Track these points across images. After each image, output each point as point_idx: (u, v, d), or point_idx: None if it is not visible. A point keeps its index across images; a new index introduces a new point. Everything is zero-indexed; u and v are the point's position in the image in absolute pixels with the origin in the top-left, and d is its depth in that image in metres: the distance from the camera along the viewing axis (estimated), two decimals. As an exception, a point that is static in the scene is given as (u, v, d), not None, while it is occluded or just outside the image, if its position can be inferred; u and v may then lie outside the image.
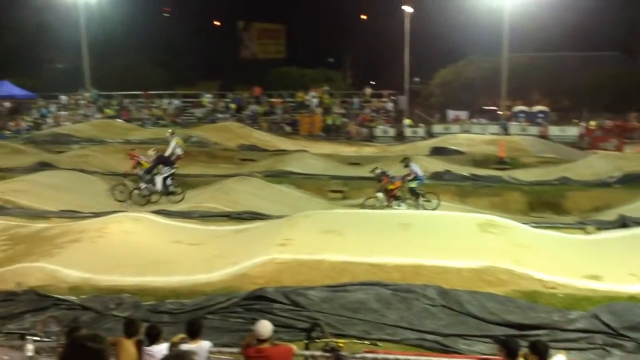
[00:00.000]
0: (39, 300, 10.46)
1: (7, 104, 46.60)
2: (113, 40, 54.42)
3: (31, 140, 34.65)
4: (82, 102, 46.95)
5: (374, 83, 53.16)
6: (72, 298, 10.58)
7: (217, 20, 72.80)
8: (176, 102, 47.09)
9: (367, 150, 35.05)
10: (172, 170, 20.70)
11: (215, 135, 35.19)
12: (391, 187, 19.72)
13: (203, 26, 65.68)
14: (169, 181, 20.60)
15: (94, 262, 12.66)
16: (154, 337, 6.85)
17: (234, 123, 40.36)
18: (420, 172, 20.03)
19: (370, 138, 39.74)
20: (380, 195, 19.68)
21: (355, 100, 44.93)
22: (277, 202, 20.05)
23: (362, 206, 19.19)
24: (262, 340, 6.57)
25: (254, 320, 8.67)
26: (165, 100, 47.15)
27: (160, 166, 20.67)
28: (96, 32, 49.86)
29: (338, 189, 22.62)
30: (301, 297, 10.03)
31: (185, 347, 6.58)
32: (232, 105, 45.23)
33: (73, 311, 10.09)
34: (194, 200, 19.70)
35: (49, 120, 43.92)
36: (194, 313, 9.68)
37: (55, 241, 13.93)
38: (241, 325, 9.60)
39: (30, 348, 6.49)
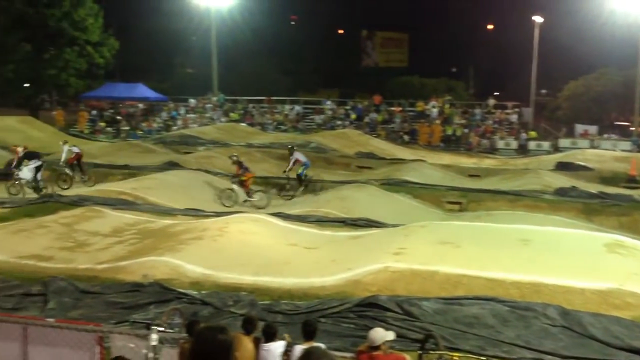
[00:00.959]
0: (163, 293, 10.96)
1: (141, 106, 49.44)
2: (241, 47, 56.44)
3: (161, 141, 36.51)
4: (209, 105, 48.99)
5: (497, 94, 51.85)
6: (193, 292, 11.01)
7: (341, 29, 73.73)
8: (297, 108, 48.12)
9: (488, 162, 34.21)
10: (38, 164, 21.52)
11: (333, 141, 35.60)
12: (244, 178, 20.69)
13: (327, 34, 66.70)
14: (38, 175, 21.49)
15: (215, 259, 13.12)
16: (271, 335, 7.02)
17: (352, 130, 40.67)
18: (304, 159, 22.15)
19: (492, 150, 38.80)
20: (236, 187, 20.62)
21: (477, 111, 44.04)
22: (393, 210, 19.94)
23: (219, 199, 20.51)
24: (375, 347, 6.56)
25: (366, 327, 8.68)
26: (287, 106, 48.30)
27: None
28: (226, 39, 51.90)
29: (456, 201, 22.19)
30: (414, 308, 9.91)
31: (298, 348, 6.68)
32: (352, 116, 45.60)
33: (193, 305, 10.50)
34: (311, 204, 19.99)
35: (178, 122, 46.17)
36: (307, 315, 9.80)
37: (180, 237, 14.58)
38: (353, 330, 9.61)
39: (154, 338, 6.81)
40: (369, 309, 10.12)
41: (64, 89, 50.54)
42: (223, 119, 46.68)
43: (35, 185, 21.54)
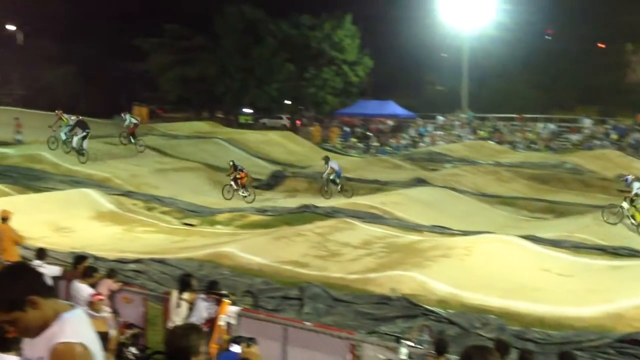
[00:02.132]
0: (409, 308, 11.07)
1: (389, 122, 50.83)
2: (493, 63, 55.32)
3: (409, 157, 37.10)
4: (457, 123, 48.74)
5: None
6: (440, 311, 10.95)
7: (602, 43, 68.71)
8: (551, 126, 45.81)
9: None
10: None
11: (591, 163, 33.23)
12: (239, 177, 24.91)
13: (586, 48, 62.56)
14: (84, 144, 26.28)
15: (461, 278, 12.93)
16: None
17: (613, 151, 37.59)
18: (337, 168, 25.71)
19: None
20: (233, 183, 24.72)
21: None
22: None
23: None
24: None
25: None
26: (540, 124, 46.23)
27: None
28: (477, 55, 51.23)
29: None
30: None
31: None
32: (613, 136, 42.17)
33: (440, 323, 10.44)
34: (564, 229, 18.84)
35: (426, 139, 46.59)
36: (561, 346, 9.21)
37: (426, 254, 14.62)
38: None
39: (404, 352, 6.90)
40: (632, 346, 9.22)
41: (321, 106, 53.90)
42: (471, 137, 46.12)
43: (79, 150, 26.26)
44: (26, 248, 12.69)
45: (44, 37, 55.25)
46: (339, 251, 15.45)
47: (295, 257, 14.77)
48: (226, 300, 8.30)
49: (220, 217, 20.25)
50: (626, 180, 21.24)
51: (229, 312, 8.27)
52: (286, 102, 54.21)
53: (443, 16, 49.22)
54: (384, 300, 11.56)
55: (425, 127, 49.11)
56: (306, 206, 20.54)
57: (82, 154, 26.28)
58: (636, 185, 20.49)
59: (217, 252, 14.75)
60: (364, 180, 28.14)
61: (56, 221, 18.43)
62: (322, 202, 21.77)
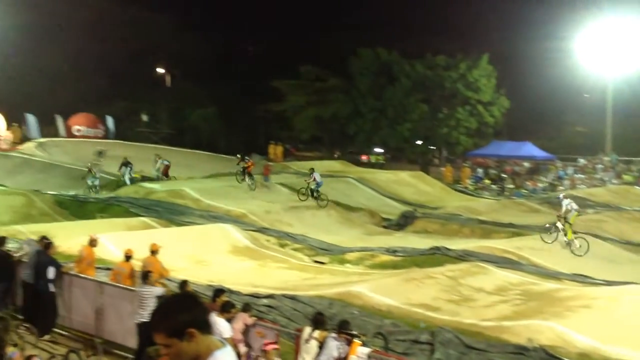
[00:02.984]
0: (548, 360, 10.49)
1: (526, 164, 49.09)
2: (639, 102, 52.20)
3: (547, 201, 35.52)
4: (599, 166, 46.20)
5: None
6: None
7: None
8: None
9: None
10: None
11: None
12: (245, 165, 30.32)
13: None
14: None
15: (605, 331, 12.12)
16: None
17: None
18: (319, 180, 28.65)
19: None
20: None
21: None
22: None
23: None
24: None
25: None
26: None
27: None
28: (624, 94, 48.52)
29: None
30: None
31: None
32: None
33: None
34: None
35: (565, 182, 44.47)
36: None
37: (567, 303, 13.86)
38: None
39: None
40: None
41: (453, 147, 53.17)
42: (615, 181, 43.46)
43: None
44: (170, 280, 13.32)
45: (189, 79, 58.82)
46: (472, 296, 14.99)
47: (426, 300, 14.48)
48: (357, 341, 8.25)
49: (350, 256, 20.32)
50: (558, 198, 23.72)
51: (359, 353, 8.20)
52: (417, 142, 54.05)
53: (585, 57, 47.26)
54: (520, 350, 11.03)
55: (564, 169, 46.93)
56: (437, 248, 20.17)
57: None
58: (565, 202, 22.30)
59: (347, 291, 14.76)
60: (498, 223, 27.25)
61: (195, 254, 19.29)
62: (454, 245, 21.26)
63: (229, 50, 60.65)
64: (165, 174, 33.30)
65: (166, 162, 33.82)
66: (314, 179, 28.88)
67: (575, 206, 22.34)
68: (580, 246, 20.90)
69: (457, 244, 21.98)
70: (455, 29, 54.30)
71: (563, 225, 21.58)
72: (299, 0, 61.98)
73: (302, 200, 28.48)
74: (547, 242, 21.39)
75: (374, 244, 22.63)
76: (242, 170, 30.55)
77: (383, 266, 19.07)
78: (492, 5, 52.05)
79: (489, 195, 42.60)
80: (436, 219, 28.27)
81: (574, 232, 21.49)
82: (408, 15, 56.50)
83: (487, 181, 46.82)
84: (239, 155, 31.49)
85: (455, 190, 40.18)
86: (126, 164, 32.00)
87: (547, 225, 22.38)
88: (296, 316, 12.69)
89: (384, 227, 28.06)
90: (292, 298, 13.63)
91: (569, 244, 21.15)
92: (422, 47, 52.07)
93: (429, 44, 52.42)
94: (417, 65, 50.67)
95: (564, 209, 21.97)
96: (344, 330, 8.52)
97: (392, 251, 20.49)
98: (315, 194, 28.55)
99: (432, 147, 56.17)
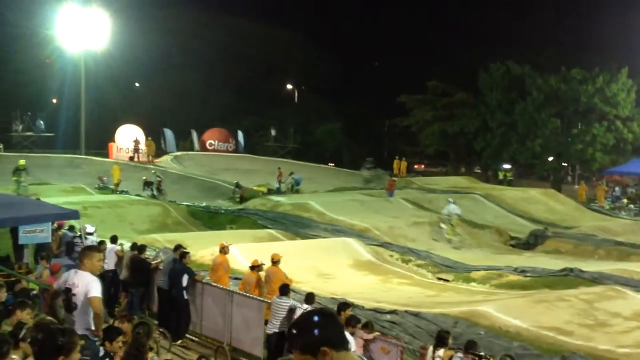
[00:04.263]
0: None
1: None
2: None
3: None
4: None
5: None
6: None
7: None
8: None
9: None
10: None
11: None
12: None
13: None
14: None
15: None
16: None
17: None
18: (298, 178, 34.47)
19: None
20: None
21: None
22: None
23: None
24: None
25: None
26: None
27: None
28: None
29: None
30: None
31: None
32: None
33: None
34: None
35: None
36: None
37: None
38: None
39: None
40: None
41: (588, 164, 50.58)
42: None
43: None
44: (295, 292, 13.55)
45: (316, 94, 60.01)
46: (608, 321, 14.12)
47: (557, 323, 13.78)
48: (484, 363, 8.00)
49: (475, 274, 19.77)
50: (448, 202, 27.32)
51: (486, 375, 7.94)
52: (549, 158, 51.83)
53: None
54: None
55: None
56: (570, 269, 19.20)
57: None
58: (450, 207, 26.67)
59: (473, 310, 14.35)
60: (636, 245, 25.55)
61: (319, 267, 19.53)
62: (588, 266, 20.17)
63: (355, 65, 61.30)
64: (158, 189, 32.56)
65: (159, 178, 33.29)
66: (294, 179, 32.96)
67: (457, 211, 26.67)
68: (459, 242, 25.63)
69: (592, 266, 20.83)
70: (592, 42, 51.96)
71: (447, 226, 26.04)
72: (425, 16, 61.68)
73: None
74: (435, 240, 24.45)
75: (501, 262, 21.88)
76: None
77: (511, 286, 18.39)
78: (632, 17, 49.19)
79: (626, 215, 40.07)
80: (569, 238, 26.94)
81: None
82: (541, 29, 54.69)
83: (625, 200, 44.05)
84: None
85: (590, 209, 38.12)
86: (148, 183, 32.85)
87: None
88: (419, 333, 12.50)
89: (512, 246, 27.12)
90: (416, 315, 13.44)
91: (449, 240, 25.59)
92: (555, 61, 50.09)
93: (563, 57, 50.38)
94: (551, 79, 48.69)
95: (445, 212, 26.58)
96: (471, 350, 8.29)
97: (521, 271, 19.74)
98: (295, 187, 33.39)
99: (564, 164, 53.71)
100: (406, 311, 13.75)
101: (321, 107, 59.04)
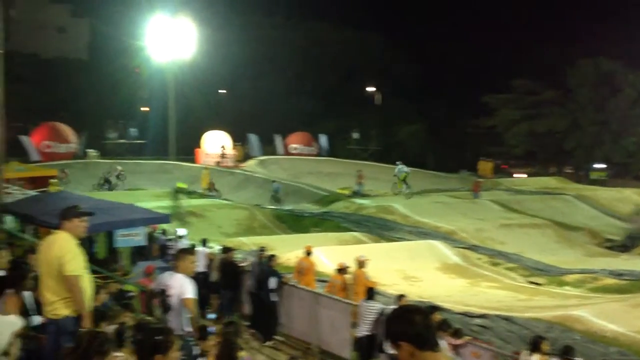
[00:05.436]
0: None
1: None
2: None
3: None
4: None
5: None
6: None
7: None
8: None
9: None
10: None
11: None
12: None
13: None
14: None
15: None
16: None
17: None
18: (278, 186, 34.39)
19: None
20: None
21: None
22: None
23: None
24: None
25: None
26: None
27: None
28: None
29: None
30: None
31: None
32: None
33: None
34: None
35: None
36: None
37: None
38: None
39: None
40: None
41: None
42: None
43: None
44: (379, 294, 13.46)
45: (398, 96, 59.51)
46: None
47: (658, 328, 13.10)
48: (582, 369, 7.67)
49: (569, 278, 19.11)
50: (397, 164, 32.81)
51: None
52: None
53: None
54: None
55: None
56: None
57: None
58: (398, 167, 32.50)
59: (567, 315, 13.84)
60: None
61: (404, 270, 19.36)
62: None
63: (437, 66, 60.43)
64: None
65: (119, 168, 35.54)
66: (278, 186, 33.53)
67: (406, 169, 32.11)
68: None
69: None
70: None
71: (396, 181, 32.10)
72: (512, 13, 60.16)
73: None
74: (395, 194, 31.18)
75: (596, 265, 21.03)
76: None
77: (606, 290, 17.68)
78: None
79: None
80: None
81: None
82: (630, 23, 52.18)
83: None
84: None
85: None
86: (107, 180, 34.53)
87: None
88: (511, 338, 12.16)
89: (607, 248, 26.04)
90: (507, 319, 13.09)
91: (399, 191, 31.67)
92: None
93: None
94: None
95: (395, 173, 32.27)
96: (568, 356, 7.98)
97: (618, 274, 18.95)
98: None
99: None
100: (497, 315, 13.41)
101: (404, 109, 58.52)
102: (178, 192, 32.03)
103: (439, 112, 58.69)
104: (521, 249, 23.38)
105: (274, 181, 35.52)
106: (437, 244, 21.98)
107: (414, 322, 2.88)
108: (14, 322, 5.75)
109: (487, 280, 19.19)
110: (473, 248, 22.60)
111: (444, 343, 8.81)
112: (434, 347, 2.88)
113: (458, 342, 9.65)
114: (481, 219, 27.58)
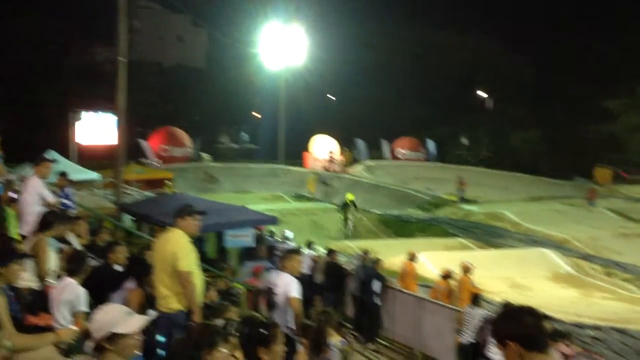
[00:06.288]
0: None
1: None
2: None
3: None
4: None
5: None
6: None
7: None
8: None
9: None
10: None
11: None
12: None
13: None
14: None
15: None
16: None
17: None
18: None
19: None
20: None
21: None
22: None
23: None
24: None
25: None
26: None
27: None
28: None
29: None
30: None
31: None
32: None
33: None
34: None
35: None
36: None
37: None
38: None
39: None
40: None
41: None
42: None
43: None
44: (485, 301, 13.22)
45: (511, 102, 57.85)
46: None
47: None
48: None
49: (694, 290, 17.96)
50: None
51: None
52: None
53: None
54: None
55: None
56: None
57: None
58: None
59: (690, 329, 13.05)
60: None
61: (512, 278, 18.88)
62: None
63: (551, 71, 58.26)
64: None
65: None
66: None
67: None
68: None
69: None
70: None
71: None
72: (626, 12, 56.97)
73: None
74: None
75: None
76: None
77: None
78: None
79: None
80: None
81: None
82: None
83: None
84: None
85: None
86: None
87: None
88: (625, 351, 11.62)
89: None
90: (622, 331, 12.52)
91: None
92: None
93: None
94: None
95: None
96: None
97: None
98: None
99: None
100: (611, 327, 12.85)
101: (517, 114, 56.86)
102: (347, 205, 27.22)
103: (555, 117, 56.60)
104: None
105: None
106: (548, 252, 21.27)
107: (524, 322, 2.84)
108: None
109: (601, 291, 18.38)
110: (587, 257, 21.68)
111: (554, 352, 8.55)
112: (542, 349, 2.82)
113: (571, 352, 9.34)
114: (597, 228, 26.37)
